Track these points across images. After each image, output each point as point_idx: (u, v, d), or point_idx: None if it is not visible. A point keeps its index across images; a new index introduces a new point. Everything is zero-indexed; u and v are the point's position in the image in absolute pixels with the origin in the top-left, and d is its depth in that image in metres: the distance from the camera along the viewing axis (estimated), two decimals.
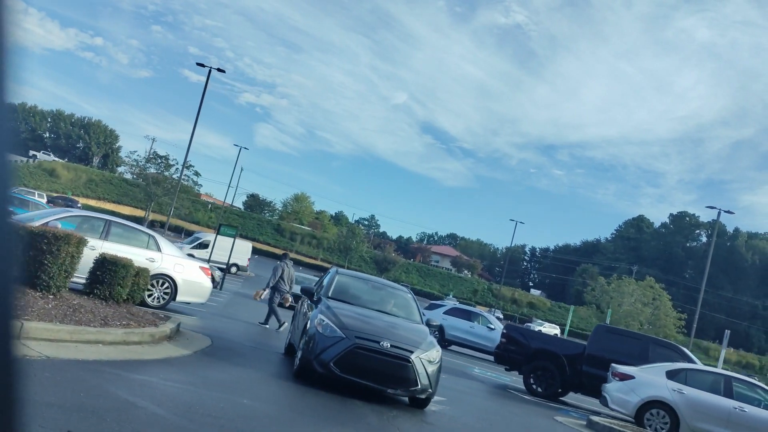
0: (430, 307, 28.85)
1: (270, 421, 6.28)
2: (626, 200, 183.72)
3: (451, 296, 72.79)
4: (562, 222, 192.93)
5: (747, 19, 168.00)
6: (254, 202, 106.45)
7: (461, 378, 16.11)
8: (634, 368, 13.47)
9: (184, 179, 57.14)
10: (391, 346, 8.61)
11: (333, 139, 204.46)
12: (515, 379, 18.34)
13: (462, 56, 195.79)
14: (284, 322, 15.89)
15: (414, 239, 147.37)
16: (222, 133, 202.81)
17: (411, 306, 10.73)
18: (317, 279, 17.03)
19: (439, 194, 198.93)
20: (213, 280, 24.79)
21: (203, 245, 38.62)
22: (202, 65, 46.68)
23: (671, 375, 12.99)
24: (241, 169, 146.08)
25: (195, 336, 10.74)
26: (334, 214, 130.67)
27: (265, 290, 16.18)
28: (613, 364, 13.84)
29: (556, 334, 50.60)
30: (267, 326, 16.16)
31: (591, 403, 16.54)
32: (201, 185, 78.60)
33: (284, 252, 19.66)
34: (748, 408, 12.37)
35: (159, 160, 61.91)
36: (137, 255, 12.58)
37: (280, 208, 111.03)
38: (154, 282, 13.06)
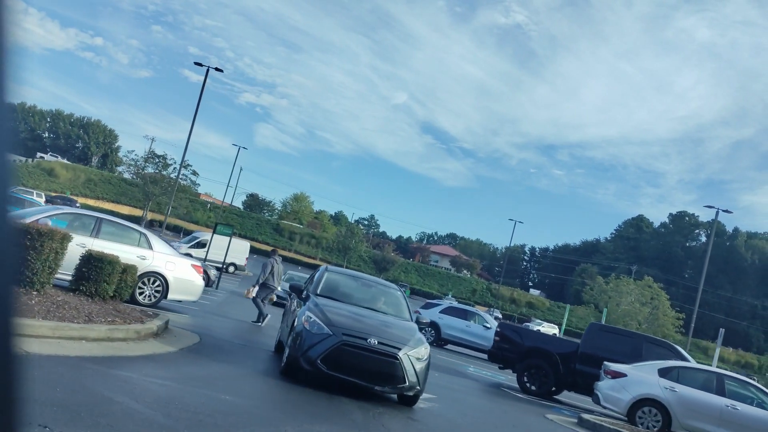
0: (427, 306, 28.80)
1: (250, 417, 6.23)
2: (626, 200, 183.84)
3: (450, 296, 72.74)
4: (561, 222, 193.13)
5: (747, 19, 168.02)
6: (254, 202, 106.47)
7: (455, 376, 16.08)
8: (626, 366, 13.42)
9: (181, 178, 57.13)
10: (378, 343, 8.57)
11: (333, 139, 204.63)
12: (510, 378, 18.29)
13: (462, 56, 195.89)
14: (267, 315, 16.20)
15: (414, 239, 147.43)
16: (222, 133, 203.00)
17: (400, 303, 10.69)
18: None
19: (439, 194, 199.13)
20: (208, 278, 24.87)
21: (201, 244, 38.65)
22: (200, 64, 46.74)
23: (663, 373, 12.95)
24: (240, 169, 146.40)
25: (183, 333, 10.70)
26: (333, 214, 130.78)
27: (254, 287, 16.16)
28: (605, 362, 13.80)
29: (555, 334, 50.57)
30: (260, 324, 16.13)
31: (585, 401, 16.50)
32: (199, 184, 78.74)
33: (273, 248, 19.67)
34: (741, 406, 12.32)
35: (157, 160, 61.91)
36: (128, 253, 12.58)
37: (279, 208, 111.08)
38: (146, 280, 13.05)
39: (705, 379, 12.97)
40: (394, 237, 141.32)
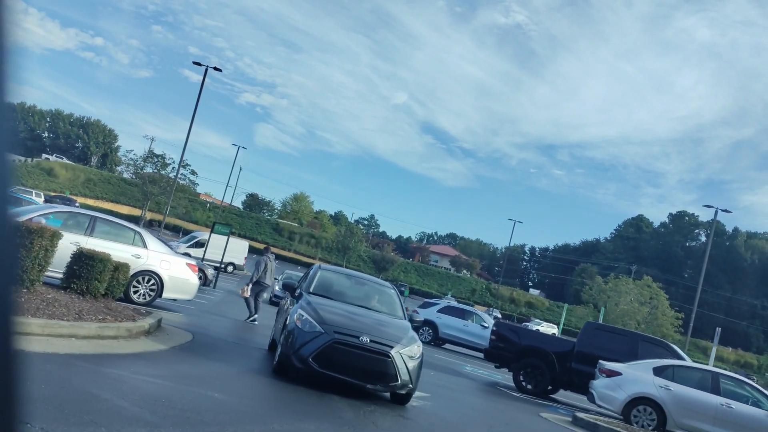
0: (425, 306, 28.77)
1: (238, 415, 6.21)
2: (626, 200, 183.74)
3: (449, 296, 72.71)
4: (561, 222, 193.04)
5: (747, 19, 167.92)
6: (253, 202, 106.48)
7: (451, 375, 16.06)
8: (621, 365, 13.40)
9: (180, 178, 57.13)
10: (370, 341, 8.54)
11: (333, 139, 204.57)
12: (506, 377, 18.27)
13: (462, 56, 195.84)
14: (255, 315, 16.28)
15: (414, 239, 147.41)
16: (222, 133, 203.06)
17: (394, 302, 10.67)
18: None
19: (438, 194, 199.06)
20: (205, 277, 24.86)
21: (200, 244, 38.60)
22: (199, 64, 46.73)
23: (658, 371, 12.92)
24: (240, 169, 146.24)
25: (176, 332, 10.68)
26: (333, 214, 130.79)
27: (249, 286, 16.15)
28: (600, 361, 13.78)
29: (554, 334, 50.53)
30: (256, 323, 16.12)
31: (581, 400, 16.47)
32: (198, 184, 78.72)
33: (266, 246, 19.69)
34: (735, 405, 12.30)
35: (155, 159, 61.92)
36: (123, 251, 12.56)
37: (279, 208, 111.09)
38: (140, 278, 13.03)
39: (700, 378, 12.95)
40: (394, 237, 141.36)
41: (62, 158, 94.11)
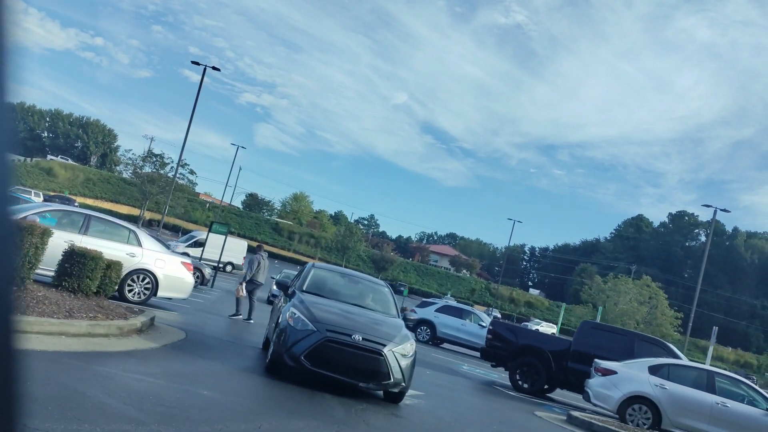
0: (422, 305, 28.78)
1: (226, 413, 6.18)
2: (626, 200, 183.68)
3: (449, 295, 72.68)
4: (561, 222, 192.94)
5: (747, 19, 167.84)
6: (253, 202, 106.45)
7: (447, 374, 16.03)
8: (616, 363, 13.37)
9: (179, 178, 57.11)
10: (363, 339, 8.51)
11: (333, 139, 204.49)
12: (503, 376, 18.24)
13: (462, 56, 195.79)
14: (240, 314, 16.26)
15: (413, 239, 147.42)
16: (222, 133, 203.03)
17: (388, 300, 10.64)
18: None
19: (438, 194, 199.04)
20: (202, 277, 24.84)
21: (198, 243, 38.57)
22: (198, 63, 46.73)
23: (653, 370, 12.89)
24: (240, 169, 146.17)
25: (169, 330, 10.65)
26: (333, 214, 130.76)
27: (243, 284, 16.13)
28: (596, 360, 13.75)
29: (553, 333, 50.48)
30: (251, 321, 16.09)
31: (578, 399, 16.44)
32: (197, 183, 78.70)
33: (258, 244, 19.65)
34: (731, 403, 12.27)
35: (154, 159, 61.92)
36: (117, 250, 12.54)
37: (278, 208, 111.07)
38: (135, 277, 13.01)
39: (695, 377, 12.92)
40: (393, 237, 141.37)
41: (67, 159, 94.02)
